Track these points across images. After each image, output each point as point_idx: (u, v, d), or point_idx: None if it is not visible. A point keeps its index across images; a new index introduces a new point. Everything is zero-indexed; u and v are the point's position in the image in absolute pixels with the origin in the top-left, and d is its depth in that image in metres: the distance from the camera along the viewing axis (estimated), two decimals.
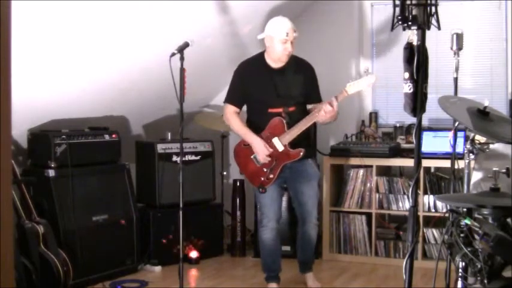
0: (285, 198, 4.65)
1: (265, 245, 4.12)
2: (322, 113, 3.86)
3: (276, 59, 3.98)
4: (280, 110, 3.97)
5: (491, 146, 3.10)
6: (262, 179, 4.01)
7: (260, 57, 4.07)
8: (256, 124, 4.03)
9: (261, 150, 3.95)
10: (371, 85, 3.99)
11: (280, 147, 3.97)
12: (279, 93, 3.98)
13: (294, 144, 3.98)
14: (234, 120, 4.07)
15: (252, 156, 4.03)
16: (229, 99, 4.11)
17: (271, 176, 3.99)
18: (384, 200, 5.00)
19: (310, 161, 4.16)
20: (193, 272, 4.77)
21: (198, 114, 5.61)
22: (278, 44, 3.91)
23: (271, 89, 3.98)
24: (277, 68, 4.01)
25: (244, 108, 4.20)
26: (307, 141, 4.16)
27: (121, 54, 4.28)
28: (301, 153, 3.98)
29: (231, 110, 4.08)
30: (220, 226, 5.29)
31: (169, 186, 4.80)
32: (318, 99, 4.11)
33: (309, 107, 4.11)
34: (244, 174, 4.14)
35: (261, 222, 4.12)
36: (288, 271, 4.35)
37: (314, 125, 4.34)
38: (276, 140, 3.97)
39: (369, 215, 5.04)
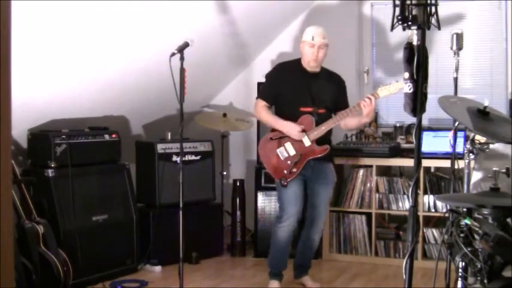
0: None
1: (279, 242, 4.14)
2: (361, 107, 3.97)
3: (307, 63, 4.13)
4: (311, 109, 4.09)
5: (491, 146, 3.10)
6: (285, 172, 4.06)
7: (297, 62, 4.23)
8: (286, 119, 4.12)
9: (292, 129, 4.04)
10: (399, 91, 4.04)
11: (307, 143, 4.05)
12: (312, 94, 4.12)
13: (318, 143, 4.08)
14: (264, 112, 4.18)
15: (277, 150, 4.11)
16: (261, 96, 4.25)
17: (294, 169, 4.05)
18: (384, 200, 5.00)
19: (331, 166, 4.26)
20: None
21: (198, 114, 5.61)
22: (306, 47, 4.10)
23: (305, 89, 4.12)
24: (312, 72, 4.15)
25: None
26: (329, 144, 4.22)
27: (121, 54, 4.28)
28: (327, 150, 4.08)
29: (261, 104, 4.20)
30: (220, 226, 5.29)
31: (169, 186, 4.80)
32: (346, 107, 4.21)
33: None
34: (267, 167, 4.20)
35: (279, 218, 4.15)
36: (288, 271, 4.35)
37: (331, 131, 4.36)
38: (304, 135, 4.07)
39: (369, 215, 5.04)
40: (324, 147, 4.09)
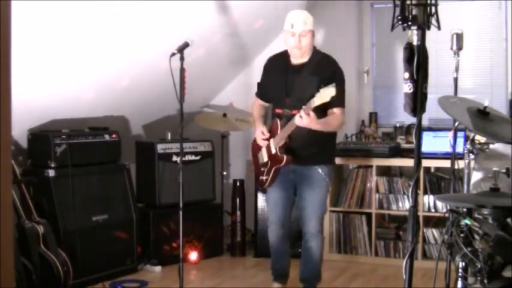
0: None
1: (271, 245, 4.06)
2: (297, 121, 3.57)
3: (291, 54, 3.79)
4: (281, 111, 3.81)
5: (491, 146, 3.10)
6: (260, 178, 3.97)
7: (285, 53, 3.87)
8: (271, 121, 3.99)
9: (257, 135, 3.93)
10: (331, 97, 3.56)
11: (273, 150, 3.85)
12: (288, 93, 3.78)
13: (298, 148, 3.78)
14: (255, 111, 4.06)
15: (258, 154, 4.00)
16: (256, 92, 4.12)
17: (266, 177, 3.89)
18: (384, 200, 5.00)
19: (318, 167, 3.81)
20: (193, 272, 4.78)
21: (198, 114, 5.61)
22: (287, 36, 3.73)
23: (282, 88, 3.81)
24: (296, 65, 3.79)
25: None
26: (319, 147, 3.80)
27: (121, 54, 4.28)
28: (284, 161, 3.77)
29: (257, 102, 4.08)
30: (220, 226, 5.29)
31: (169, 186, 4.80)
32: (333, 106, 3.69)
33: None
34: (255, 170, 4.09)
35: (269, 222, 4.05)
36: (291, 270, 4.34)
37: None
38: (271, 142, 3.87)
39: (369, 215, 5.04)
40: (282, 156, 3.76)
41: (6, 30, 1.40)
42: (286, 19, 3.76)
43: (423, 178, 4.79)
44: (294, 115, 3.65)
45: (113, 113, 4.90)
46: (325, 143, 3.83)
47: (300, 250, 4.07)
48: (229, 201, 5.34)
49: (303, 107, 3.53)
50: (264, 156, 3.93)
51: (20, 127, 4.23)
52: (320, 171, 3.83)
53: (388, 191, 5.00)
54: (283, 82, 3.82)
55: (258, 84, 4.14)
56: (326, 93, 3.44)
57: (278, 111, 3.86)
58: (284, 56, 3.88)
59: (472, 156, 3.14)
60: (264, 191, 3.96)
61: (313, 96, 3.60)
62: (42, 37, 3.67)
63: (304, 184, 3.86)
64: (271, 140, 3.87)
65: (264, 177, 3.92)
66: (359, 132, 5.38)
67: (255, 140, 4.05)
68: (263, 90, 4.03)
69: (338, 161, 5.08)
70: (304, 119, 3.50)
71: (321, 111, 3.65)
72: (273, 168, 3.86)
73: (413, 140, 2.41)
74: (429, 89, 2.40)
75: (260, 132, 3.90)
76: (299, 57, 3.77)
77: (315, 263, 3.95)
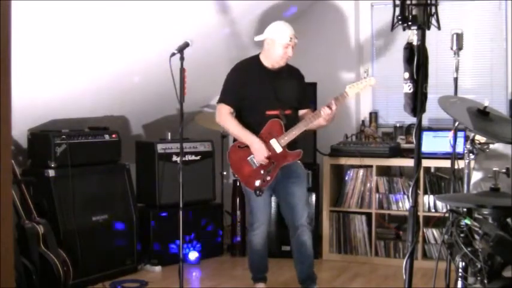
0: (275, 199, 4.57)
1: (256, 248, 4.05)
2: (321, 114, 3.83)
3: (274, 62, 3.93)
4: (277, 112, 3.91)
5: (491, 146, 3.10)
6: (259, 182, 3.90)
7: (256, 59, 4.01)
8: (252, 126, 3.93)
9: (260, 151, 3.86)
10: (370, 87, 3.97)
11: (279, 149, 3.89)
12: (278, 95, 3.93)
13: (287, 146, 3.92)
14: (230, 121, 3.95)
15: (248, 158, 3.91)
16: (224, 100, 3.99)
17: (268, 178, 3.89)
18: (384, 200, 5.00)
19: (299, 161, 4.04)
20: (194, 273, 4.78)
21: (198, 114, 5.61)
22: (279, 47, 3.87)
23: (270, 90, 3.93)
24: (274, 70, 3.97)
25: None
26: (296, 142, 3.99)
27: (121, 54, 4.28)
28: (301, 154, 3.95)
29: (225, 110, 3.96)
30: (220, 226, 5.29)
31: (169, 186, 4.80)
32: (308, 106, 4.09)
33: (300, 113, 4.07)
34: (239, 176, 4.02)
35: (251, 226, 4.03)
36: (288, 271, 4.35)
37: None
38: (274, 142, 3.89)
39: (369, 215, 5.04)
40: (297, 151, 3.93)
41: (6, 30, 1.40)
42: (280, 31, 3.90)
43: (423, 178, 4.79)
44: (288, 114, 3.94)
45: (113, 113, 4.91)
46: (297, 142, 4.05)
47: (286, 249, 4.10)
48: (229, 201, 5.34)
49: (338, 96, 3.85)
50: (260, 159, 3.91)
51: (20, 127, 4.23)
52: (302, 165, 4.07)
53: (388, 191, 5.00)
54: (270, 85, 3.94)
55: (231, 91, 3.98)
56: (363, 84, 3.89)
57: (271, 112, 3.91)
58: (257, 61, 4.01)
59: (472, 156, 3.14)
60: (262, 193, 3.90)
61: (297, 97, 3.99)
62: (43, 37, 3.67)
63: (293, 181, 3.98)
64: (274, 140, 3.89)
65: (268, 178, 3.91)
66: (359, 132, 5.38)
67: (236, 146, 3.98)
68: (239, 98, 3.95)
69: (338, 161, 5.09)
70: (334, 110, 3.81)
71: (295, 110, 4.01)
72: (279, 167, 3.92)
73: (413, 140, 2.41)
74: (429, 89, 2.40)
75: (263, 149, 3.85)
76: (282, 64, 3.96)
77: (311, 257, 4.06)
